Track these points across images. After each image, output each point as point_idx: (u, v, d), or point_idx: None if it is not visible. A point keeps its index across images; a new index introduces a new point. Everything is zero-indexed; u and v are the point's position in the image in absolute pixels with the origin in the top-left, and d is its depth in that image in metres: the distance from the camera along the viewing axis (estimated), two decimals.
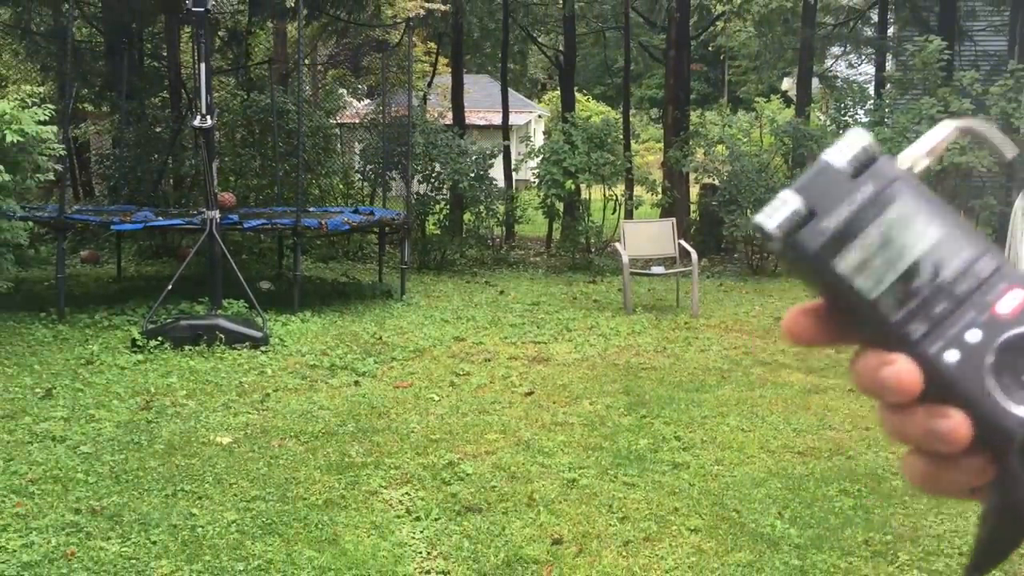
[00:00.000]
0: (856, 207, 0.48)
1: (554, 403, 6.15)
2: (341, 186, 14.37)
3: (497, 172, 14.17)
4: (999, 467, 0.47)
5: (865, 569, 3.82)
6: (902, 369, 0.47)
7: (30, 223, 8.08)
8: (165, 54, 14.04)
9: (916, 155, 0.52)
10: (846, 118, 12.83)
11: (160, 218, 9.46)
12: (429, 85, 19.11)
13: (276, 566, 3.77)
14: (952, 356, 0.47)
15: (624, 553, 3.93)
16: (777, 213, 0.48)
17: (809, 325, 0.51)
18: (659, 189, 13.34)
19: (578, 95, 22.97)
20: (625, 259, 9.50)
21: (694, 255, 9.28)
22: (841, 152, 0.48)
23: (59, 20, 12.53)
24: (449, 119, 15.72)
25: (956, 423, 0.46)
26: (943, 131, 0.53)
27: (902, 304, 0.48)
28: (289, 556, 3.85)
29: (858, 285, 0.48)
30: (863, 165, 0.48)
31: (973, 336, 0.47)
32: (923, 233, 0.48)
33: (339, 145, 15.41)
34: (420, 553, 3.93)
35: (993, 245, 0.48)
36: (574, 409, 6.01)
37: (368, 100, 17.41)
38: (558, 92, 22.32)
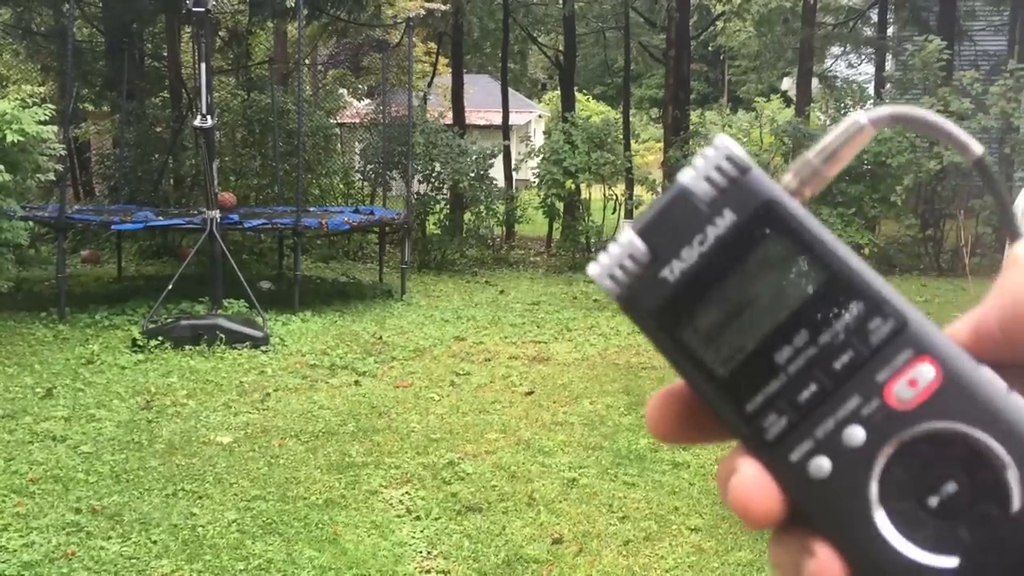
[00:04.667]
0: (708, 247, 0.35)
1: (554, 403, 6.15)
2: (341, 186, 14.39)
3: (497, 172, 14.18)
4: None
5: None
6: (748, 484, 0.33)
7: (30, 223, 8.10)
8: (165, 54, 14.06)
9: (807, 167, 0.38)
10: None
11: (160, 218, 9.47)
12: (429, 85, 19.11)
13: (276, 565, 3.77)
14: (821, 467, 0.33)
15: (624, 552, 3.94)
16: (611, 260, 0.36)
17: (673, 415, 0.37)
18: (659, 189, 13.34)
19: (578, 95, 22.97)
20: None
21: None
22: (698, 170, 0.35)
23: (59, 20, 12.53)
24: (449, 119, 15.73)
25: (822, 566, 0.33)
26: (848, 128, 0.38)
27: (760, 386, 0.34)
28: (289, 555, 3.85)
29: (706, 359, 0.35)
30: (725, 185, 0.35)
31: (853, 436, 0.33)
32: (798, 280, 0.34)
33: (339, 145, 15.43)
34: (420, 552, 3.93)
35: (897, 294, 0.34)
36: (574, 409, 6.02)
37: (368, 100, 17.40)
38: (558, 92, 22.32)
